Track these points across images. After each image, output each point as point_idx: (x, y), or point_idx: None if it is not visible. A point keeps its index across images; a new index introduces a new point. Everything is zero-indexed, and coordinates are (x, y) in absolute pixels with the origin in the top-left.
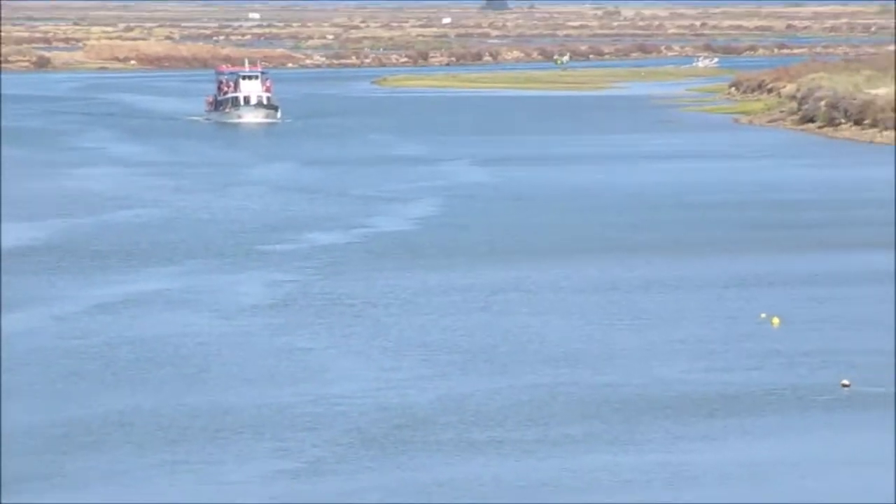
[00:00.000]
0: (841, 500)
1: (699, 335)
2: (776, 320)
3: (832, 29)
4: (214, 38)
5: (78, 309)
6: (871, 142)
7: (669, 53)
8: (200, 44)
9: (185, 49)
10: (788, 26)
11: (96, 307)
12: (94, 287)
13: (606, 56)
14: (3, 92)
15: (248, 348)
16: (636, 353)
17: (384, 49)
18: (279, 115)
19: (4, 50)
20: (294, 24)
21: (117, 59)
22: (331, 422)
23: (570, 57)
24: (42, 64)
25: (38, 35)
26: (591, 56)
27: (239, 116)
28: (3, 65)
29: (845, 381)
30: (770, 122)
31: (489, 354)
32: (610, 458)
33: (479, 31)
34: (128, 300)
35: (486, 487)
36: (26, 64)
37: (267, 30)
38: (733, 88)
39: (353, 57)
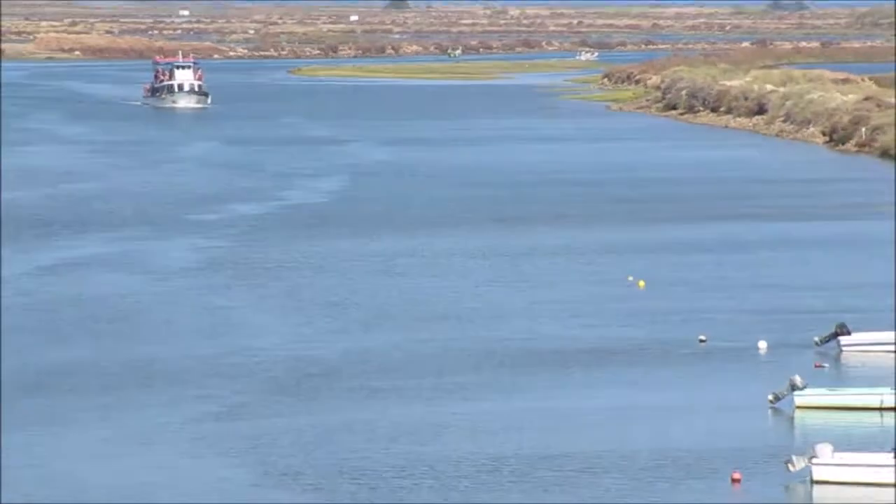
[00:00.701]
0: (698, 438)
1: (575, 296)
2: (642, 283)
3: (692, 28)
4: (149, 32)
5: (23, 271)
6: (725, 126)
7: (549, 48)
8: (137, 37)
9: (124, 42)
10: (654, 25)
11: (41, 269)
12: (39, 252)
13: (494, 50)
14: None
15: (177, 306)
16: (520, 311)
17: (298, 42)
18: (209, 100)
19: None
20: (219, 21)
21: (63, 51)
22: (249, 371)
23: (463, 51)
24: None
25: None
26: (481, 50)
27: (174, 102)
28: None
29: (702, 337)
30: (638, 108)
31: (389, 312)
32: (497, 405)
33: (383, 27)
34: (69, 263)
35: (385, 429)
36: None
37: (196, 25)
38: (606, 79)
39: (272, 49)
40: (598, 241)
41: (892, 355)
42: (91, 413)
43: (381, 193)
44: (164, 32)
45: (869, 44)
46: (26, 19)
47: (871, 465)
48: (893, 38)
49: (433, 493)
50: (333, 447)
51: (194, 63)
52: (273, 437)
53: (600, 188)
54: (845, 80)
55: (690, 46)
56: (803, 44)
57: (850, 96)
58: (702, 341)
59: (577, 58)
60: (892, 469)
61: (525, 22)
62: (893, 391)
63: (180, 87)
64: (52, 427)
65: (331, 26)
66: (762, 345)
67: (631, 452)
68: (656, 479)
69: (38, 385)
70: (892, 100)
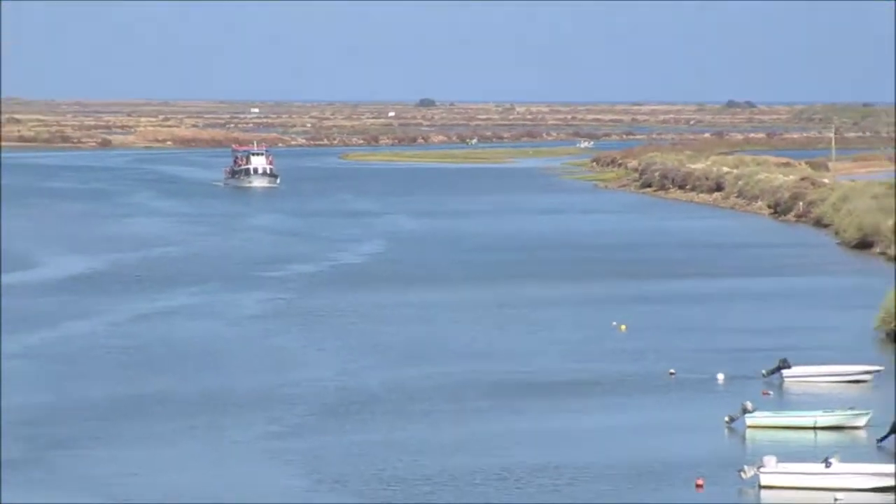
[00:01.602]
0: (668, 452)
1: (569, 338)
2: (623, 327)
3: (663, 121)
4: (227, 125)
5: (123, 318)
6: (690, 201)
7: (549, 138)
8: (218, 130)
9: (207, 133)
10: (633, 119)
11: (137, 317)
12: (137, 302)
13: (505, 139)
14: (78, 164)
15: (246, 346)
16: (525, 351)
17: (346, 133)
18: (278, 181)
19: (79, 133)
20: (283, 116)
21: (158, 141)
22: (305, 399)
23: (478, 140)
24: (105, 144)
25: (102, 123)
26: (493, 139)
27: (250, 182)
28: (79, 144)
29: (672, 371)
30: (620, 186)
31: (419, 351)
32: (505, 425)
33: (415, 121)
34: (160, 312)
35: (416, 445)
36: (93, 144)
37: (264, 120)
38: (595, 163)
39: (325, 139)
40: (589, 294)
41: (825, 384)
42: (179, 433)
43: (413, 255)
44: (239, 126)
45: (805, 135)
46: (128, 115)
47: (808, 473)
48: (833, 130)
49: (453, 495)
50: (374, 459)
51: (266, 150)
52: (325, 451)
53: (590, 252)
54: (786, 164)
55: (662, 137)
56: (752, 135)
57: (790, 177)
58: (671, 374)
59: (578, 146)
60: (824, 476)
61: (529, 117)
62: (824, 413)
63: (255, 170)
64: (149, 443)
65: (373, 120)
66: (720, 377)
67: (614, 463)
68: (635, 485)
69: (136, 410)
70: (825, 179)
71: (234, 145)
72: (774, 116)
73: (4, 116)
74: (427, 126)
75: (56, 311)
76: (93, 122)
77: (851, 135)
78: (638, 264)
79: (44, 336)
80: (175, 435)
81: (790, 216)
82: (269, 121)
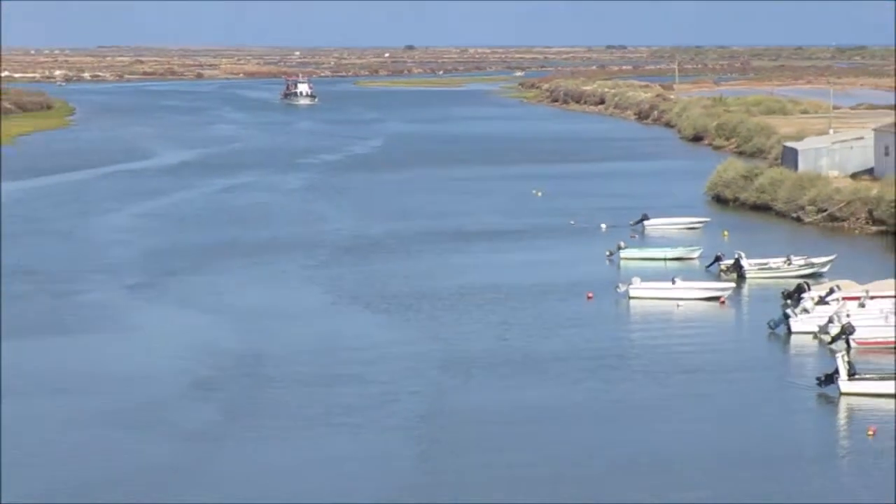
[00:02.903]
0: (569, 274)
1: (502, 201)
2: (539, 193)
3: (565, 58)
4: (279, 63)
5: (211, 191)
6: (584, 111)
7: (491, 69)
8: (272, 66)
9: (266, 69)
10: (545, 57)
11: (219, 189)
12: (218, 180)
13: (460, 71)
14: (182, 90)
15: (290, 209)
16: (471, 210)
17: (358, 68)
18: (317, 100)
19: (182, 69)
20: (315, 56)
21: (233, 74)
22: (329, 242)
23: (443, 72)
24: (199, 76)
25: (196, 62)
26: (453, 71)
27: (297, 100)
28: (181, 76)
29: (572, 221)
30: (537, 102)
31: (403, 212)
32: (462, 259)
33: (402, 60)
34: (234, 186)
35: (405, 272)
36: (192, 76)
37: (303, 59)
38: (521, 86)
39: (343, 72)
40: (515, 172)
41: (672, 230)
42: (248, 265)
43: (400, 148)
44: (287, 63)
45: (658, 67)
46: (213, 57)
47: (660, 289)
48: (676, 63)
49: (432, 304)
50: (376, 282)
51: (307, 79)
52: (343, 277)
53: (516, 143)
54: (646, 86)
55: (565, 69)
56: (624, 67)
57: (649, 94)
58: (572, 223)
59: (513, 75)
60: (671, 290)
61: (477, 56)
62: (671, 249)
63: (300, 92)
64: (228, 273)
65: (374, 59)
66: (603, 226)
67: (536, 283)
68: (545, 296)
69: (219, 251)
70: (671, 96)
71: (285, 76)
72: (638, 55)
73: (133, 57)
74: (410, 63)
75: (168, 187)
76: (191, 62)
77: (689, 66)
78: (548, 153)
79: (160, 202)
80: (245, 267)
81: (649, 120)
82: (307, 60)
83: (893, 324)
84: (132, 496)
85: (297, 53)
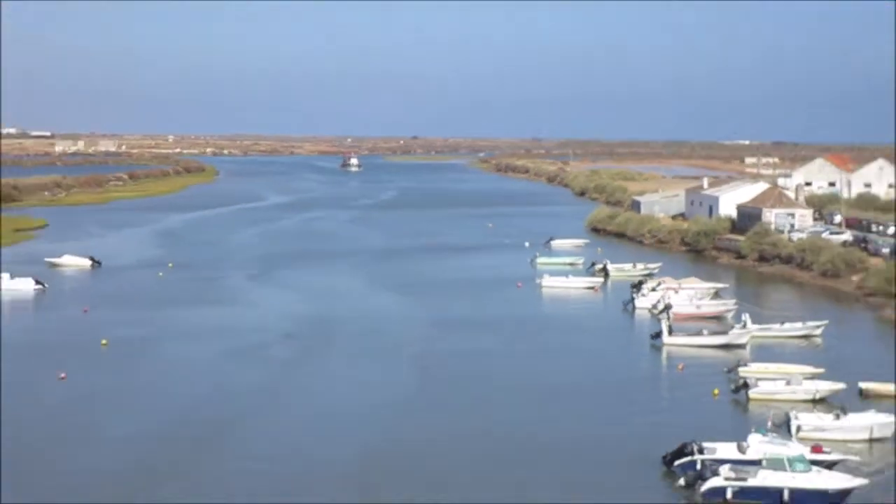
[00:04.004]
0: (501, 273)
1: (466, 229)
2: (491, 225)
3: (507, 144)
4: (339, 145)
5: (296, 220)
6: (518, 178)
7: (462, 151)
8: (334, 147)
9: (331, 148)
10: (495, 144)
11: (301, 220)
12: (301, 214)
13: (445, 151)
14: (280, 161)
15: (342, 232)
16: (445, 232)
17: (382, 150)
18: (361, 168)
19: (280, 149)
20: (358, 140)
21: (311, 152)
22: (367, 252)
23: (435, 151)
24: (291, 152)
25: (287, 145)
26: (441, 151)
27: (349, 168)
28: (280, 153)
29: (507, 241)
30: (489, 171)
31: (410, 233)
32: (437, 263)
33: (410, 144)
34: (310, 218)
35: (411, 272)
36: (286, 152)
37: (351, 143)
38: (479, 161)
39: (377, 151)
40: (475, 212)
41: (569, 246)
42: (318, 265)
43: (407, 197)
44: (343, 145)
45: (562, 151)
46: (299, 142)
47: (560, 282)
48: (571, 151)
49: (421, 292)
50: (398, 275)
51: (355, 155)
52: (377, 271)
53: (476, 195)
54: (553, 163)
55: (506, 151)
56: (541, 151)
57: (553, 167)
58: (506, 243)
59: (476, 155)
60: (566, 283)
61: (454, 143)
62: (570, 257)
63: (352, 163)
64: (307, 270)
65: (395, 143)
66: (527, 244)
67: (485, 278)
68: (493, 285)
69: (303, 256)
70: (568, 168)
71: (342, 153)
72: (549, 144)
73: (252, 141)
74: (416, 146)
75: (272, 217)
76: (286, 144)
77: (578, 151)
78: (495, 200)
79: (267, 226)
80: (315, 265)
81: (554, 183)
82: (355, 143)
83: (696, 304)
84: (241, 398)
85: (349, 140)
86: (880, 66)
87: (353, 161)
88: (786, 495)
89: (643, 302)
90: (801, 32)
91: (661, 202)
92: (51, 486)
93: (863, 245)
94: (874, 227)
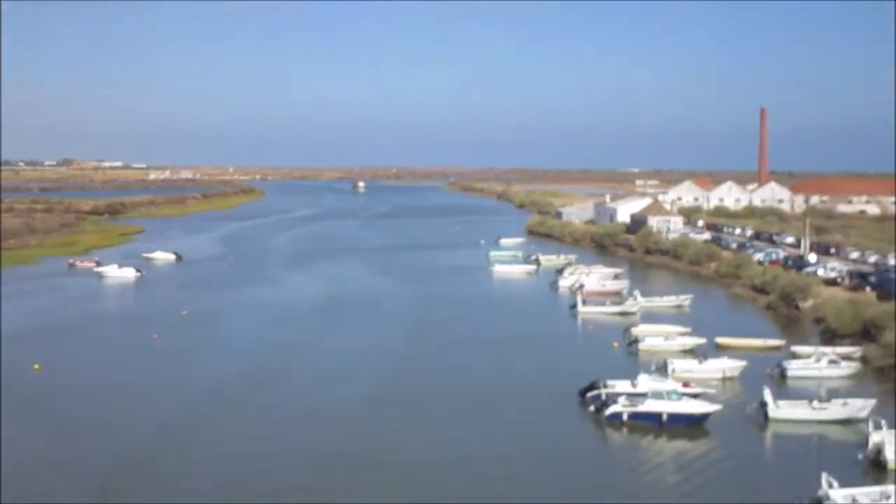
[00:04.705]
0: (462, 264)
1: (440, 230)
2: (457, 228)
3: (471, 172)
4: (350, 172)
5: (322, 226)
6: (479, 196)
7: (436, 176)
8: (346, 173)
9: (346, 175)
10: (460, 171)
11: (325, 226)
12: (324, 222)
13: (425, 176)
14: (307, 185)
15: (354, 234)
16: (424, 235)
17: (383, 176)
18: (367, 189)
19: (308, 175)
20: (366, 169)
21: (331, 178)
22: (374, 251)
23: (419, 177)
24: (316, 178)
25: (315, 171)
26: (422, 175)
27: (358, 190)
28: (302, 179)
29: (449, 240)
30: (456, 190)
31: (407, 236)
32: (418, 256)
33: (401, 172)
34: (331, 225)
35: (403, 262)
36: (313, 177)
37: (358, 171)
38: (449, 184)
39: (378, 177)
40: (446, 219)
41: (513, 243)
42: (347, 259)
43: (400, 209)
44: (352, 172)
45: (509, 177)
46: (319, 169)
47: (507, 268)
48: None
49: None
50: (393, 263)
51: (364, 180)
52: (376, 263)
53: (447, 207)
54: (502, 185)
55: (468, 177)
56: (492, 176)
57: (501, 188)
58: (456, 240)
59: (447, 179)
60: (511, 268)
61: (430, 170)
62: (515, 252)
63: (360, 186)
64: (337, 263)
65: (391, 171)
66: (482, 241)
67: (451, 266)
68: (458, 272)
69: (331, 252)
70: (514, 188)
71: (352, 178)
72: (500, 171)
73: (289, 170)
74: (404, 173)
75: (301, 224)
76: (312, 171)
77: (518, 177)
78: (459, 211)
79: (297, 231)
80: (332, 259)
81: (502, 199)
82: (363, 171)
83: (601, 283)
84: (282, 350)
85: (357, 169)
86: (735, 111)
87: (361, 184)
88: (664, 417)
89: (564, 282)
90: (677, 80)
91: (577, 212)
92: (163, 403)
93: (717, 242)
94: (725, 230)
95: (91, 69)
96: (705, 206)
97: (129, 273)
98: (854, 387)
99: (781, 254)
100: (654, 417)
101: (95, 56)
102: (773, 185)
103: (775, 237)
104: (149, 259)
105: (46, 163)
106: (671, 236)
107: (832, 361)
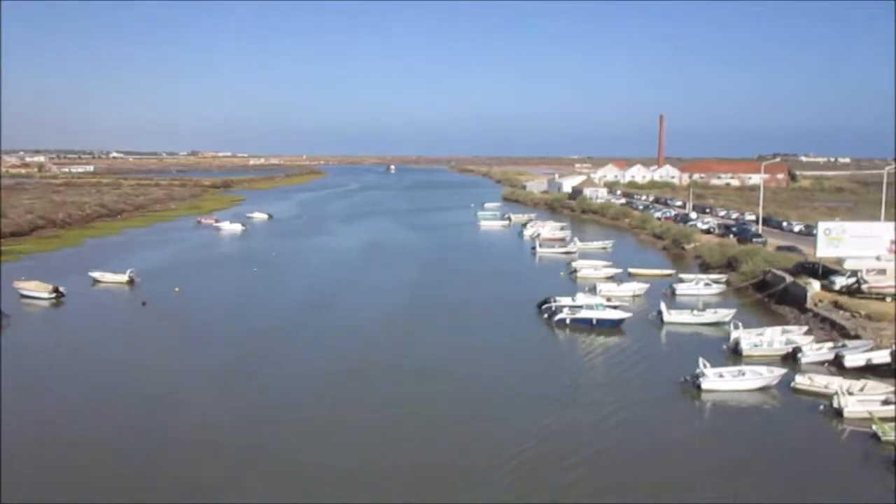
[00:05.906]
0: (460, 220)
1: (437, 200)
2: (455, 196)
3: (466, 158)
4: (385, 158)
5: (352, 199)
6: (469, 174)
7: (441, 161)
8: (380, 159)
9: (378, 161)
10: (457, 157)
11: (356, 199)
12: (354, 197)
13: (433, 162)
14: (358, 168)
15: (377, 203)
16: (423, 204)
17: (407, 162)
18: (396, 170)
19: (360, 159)
20: (389, 157)
21: (373, 163)
22: (385, 215)
23: (430, 163)
24: (362, 163)
25: (361, 158)
26: (433, 162)
27: (390, 171)
28: (360, 163)
29: (456, 205)
30: (455, 171)
31: (414, 207)
32: (419, 219)
33: (420, 159)
34: (363, 197)
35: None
36: (369, 163)
37: (393, 157)
38: (450, 167)
39: (404, 163)
40: (449, 190)
41: (494, 207)
42: (369, 218)
43: (417, 183)
44: (385, 159)
45: (490, 161)
46: (363, 155)
47: (491, 224)
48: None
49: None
50: (412, 221)
51: (394, 165)
52: (399, 220)
53: (449, 182)
54: (486, 167)
55: (464, 161)
56: (478, 161)
57: (485, 169)
58: (463, 205)
59: (449, 164)
60: (493, 223)
61: (437, 158)
62: (492, 213)
63: (392, 168)
64: (349, 229)
65: (411, 158)
66: (472, 205)
67: (450, 223)
68: (454, 227)
69: (345, 219)
70: (494, 170)
71: (386, 163)
72: (483, 158)
73: (343, 157)
74: (423, 160)
75: (351, 194)
76: (358, 158)
77: (496, 163)
78: (457, 186)
79: (348, 200)
80: (371, 218)
81: (486, 177)
82: (394, 157)
83: (553, 233)
84: (337, 283)
85: (389, 157)
86: (643, 117)
87: (392, 168)
88: (594, 321)
89: (527, 232)
90: (620, 83)
91: (536, 185)
92: (269, 310)
93: (630, 205)
94: (635, 196)
95: (216, 82)
96: (622, 181)
97: (237, 227)
98: (721, 301)
99: (672, 213)
100: (588, 321)
101: (218, 64)
102: (668, 166)
103: (668, 201)
104: (250, 217)
105: (180, 153)
106: (599, 201)
107: (706, 284)
